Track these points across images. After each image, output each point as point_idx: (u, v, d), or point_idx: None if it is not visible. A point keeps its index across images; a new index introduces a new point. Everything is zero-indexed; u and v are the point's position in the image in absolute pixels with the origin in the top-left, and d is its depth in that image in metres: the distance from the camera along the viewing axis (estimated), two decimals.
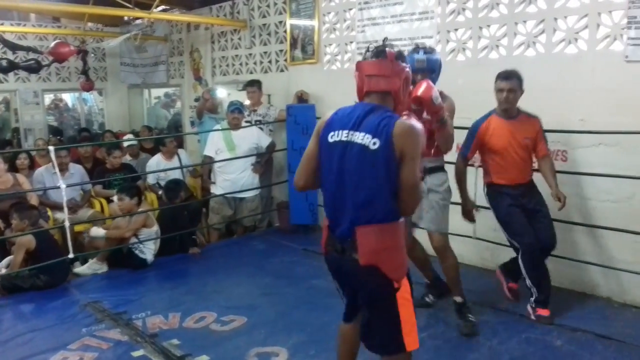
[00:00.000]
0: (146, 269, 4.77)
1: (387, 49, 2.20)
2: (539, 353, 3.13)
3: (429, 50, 3.31)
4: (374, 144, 2.04)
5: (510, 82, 3.49)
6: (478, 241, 4.40)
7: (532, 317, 3.51)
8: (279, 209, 6.09)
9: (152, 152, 6.76)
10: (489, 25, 4.37)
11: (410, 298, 2.18)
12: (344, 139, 2.13)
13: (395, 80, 2.16)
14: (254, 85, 6.05)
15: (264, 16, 6.47)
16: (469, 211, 3.69)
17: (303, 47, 5.97)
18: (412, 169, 2.03)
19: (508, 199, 3.57)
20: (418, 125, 2.11)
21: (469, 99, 4.47)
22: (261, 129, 5.92)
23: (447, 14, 4.63)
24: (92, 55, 8.94)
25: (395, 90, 2.16)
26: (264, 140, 5.78)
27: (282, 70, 6.36)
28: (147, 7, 6.21)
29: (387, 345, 2.19)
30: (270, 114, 6.05)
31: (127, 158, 6.61)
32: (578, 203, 3.91)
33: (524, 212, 3.56)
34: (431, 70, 3.24)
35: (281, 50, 6.32)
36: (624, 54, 3.63)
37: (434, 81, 3.17)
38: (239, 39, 6.93)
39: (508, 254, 4.32)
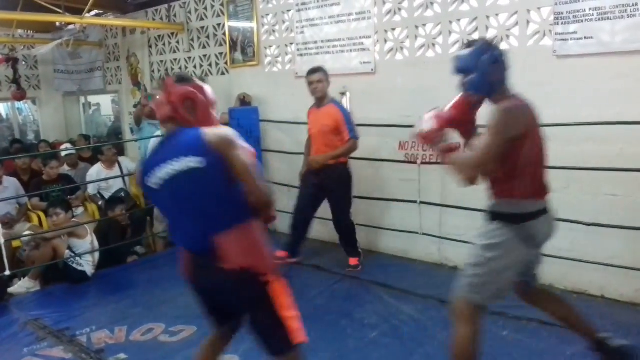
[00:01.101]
0: (88, 283, 4.60)
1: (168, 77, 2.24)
2: (487, 344, 3.17)
3: (470, 44, 2.47)
4: (198, 161, 2.04)
5: (317, 75, 4.33)
6: (424, 236, 4.50)
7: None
8: None
9: (91, 161, 6.55)
10: (424, 25, 4.45)
11: (285, 291, 2.17)
12: (163, 175, 2.11)
13: (174, 105, 2.16)
14: None
15: (202, 19, 6.38)
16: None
17: (243, 49, 5.92)
18: (237, 158, 2.05)
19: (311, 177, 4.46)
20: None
21: (409, 97, 4.57)
22: None
23: (383, 14, 4.69)
24: (23, 63, 8.58)
25: (175, 115, 2.17)
26: None
27: (223, 73, 6.29)
28: (79, 12, 6.01)
29: (276, 346, 2.19)
30: None
31: (66, 168, 6.38)
32: None
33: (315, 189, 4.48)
34: (465, 70, 2.40)
35: (221, 53, 6.24)
36: (552, 49, 3.77)
37: (479, 84, 2.37)
38: (177, 42, 6.81)
39: (454, 247, 4.44)
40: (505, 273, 2.39)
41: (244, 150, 2.09)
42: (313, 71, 4.38)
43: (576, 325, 2.70)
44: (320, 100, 4.41)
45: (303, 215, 4.62)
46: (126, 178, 6.03)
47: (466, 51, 2.41)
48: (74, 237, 4.68)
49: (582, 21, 3.63)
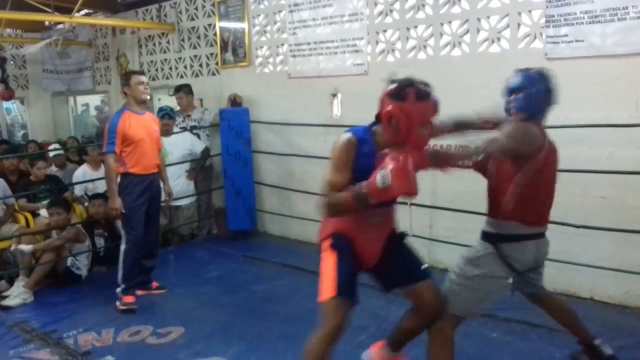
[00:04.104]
0: (77, 285, 4.55)
1: None
2: (477, 345, 3.22)
3: (527, 70, 2.48)
4: None
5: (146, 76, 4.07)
6: (414, 238, 4.47)
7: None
8: (216, 215, 5.99)
9: (80, 163, 6.47)
10: (416, 26, 4.45)
11: (333, 254, 2.36)
12: None
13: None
14: (180, 91, 5.91)
15: (193, 19, 6.34)
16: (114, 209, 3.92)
17: (234, 50, 5.89)
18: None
19: (138, 188, 3.96)
20: None
21: None
22: (197, 134, 5.80)
23: (375, 15, 4.69)
24: (12, 62, 8.49)
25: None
26: (198, 146, 5.67)
27: (213, 74, 6.25)
28: (68, 11, 5.96)
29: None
30: (205, 118, 5.93)
31: (53, 169, 6.30)
32: None
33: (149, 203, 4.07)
34: (519, 87, 2.43)
35: (212, 54, 6.21)
36: (543, 52, 3.78)
37: (528, 104, 2.41)
38: (168, 42, 6.77)
39: (444, 249, 4.44)
40: (480, 291, 2.45)
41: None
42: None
43: (575, 330, 2.80)
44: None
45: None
46: None
47: (525, 72, 2.45)
48: (77, 242, 4.63)
49: (573, 24, 3.64)
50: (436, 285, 2.45)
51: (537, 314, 3.53)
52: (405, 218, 4.49)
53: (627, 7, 3.43)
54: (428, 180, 4.38)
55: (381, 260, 2.46)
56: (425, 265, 2.51)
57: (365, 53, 4.77)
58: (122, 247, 4.04)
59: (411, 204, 4.42)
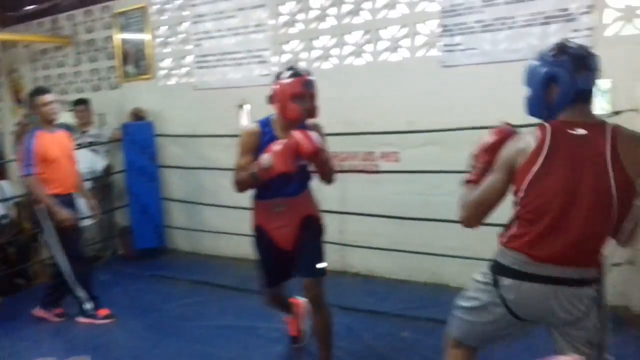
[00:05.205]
0: None
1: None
2: (390, 345, 3.27)
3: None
4: None
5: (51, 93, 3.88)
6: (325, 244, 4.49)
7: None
8: (120, 235, 5.71)
9: None
10: (319, 37, 4.51)
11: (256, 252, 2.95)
12: None
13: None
14: (82, 104, 5.62)
15: (90, 31, 6.06)
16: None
17: (136, 62, 5.69)
18: None
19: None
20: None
21: None
22: (95, 150, 5.52)
23: (279, 26, 4.70)
24: None
25: None
26: (98, 163, 5.39)
27: (114, 88, 5.99)
28: None
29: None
30: (103, 134, 5.66)
31: None
32: (414, 199, 4.16)
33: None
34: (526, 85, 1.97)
35: (112, 67, 5.96)
36: (440, 60, 3.95)
37: (531, 105, 1.96)
38: (64, 56, 6.42)
39: (356, 253, 4.48)
40: (479, 322, 2.01)
41: None
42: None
43: None
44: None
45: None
46: (9, 202, 5.54)
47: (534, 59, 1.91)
48: None
49: (466, 33, 3.83)
50: (317, 282, 2.79)
51: (443, 310, 3.65)
52: None
53: (514, 17, 3.66)
54: (337, 186, 4.42)
55: (296, 244, 2.82)
56: (322, 265, 2.82)
57: (271, 64, 4.77)
58: (63, 269, 3.84)
59: (322, 211, 4.46)
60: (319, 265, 2.80)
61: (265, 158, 2.51)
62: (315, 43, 4.54)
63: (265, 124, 2.74)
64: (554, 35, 3.52)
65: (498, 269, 1.91)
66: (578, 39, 3.44)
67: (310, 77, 2.67)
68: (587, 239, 1.77)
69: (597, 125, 1.78)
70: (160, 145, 5.46)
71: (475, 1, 3.79)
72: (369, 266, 4.48)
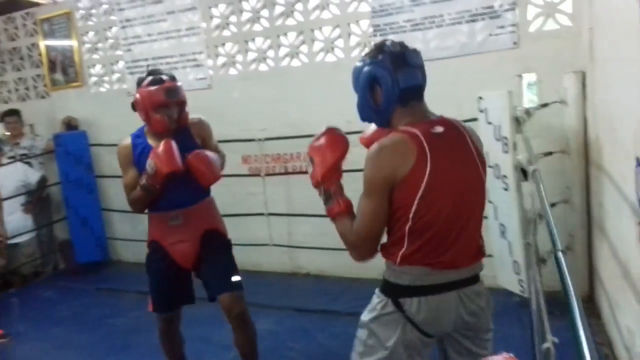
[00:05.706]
0: None
1: None
2: (345, 344, 3.30)
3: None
4: None
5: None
6: (274, 247, 4.53)
7: None
8: (61, 249, 5.53)
9: None
10: (253, 39, 4.50)
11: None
12: None
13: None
14: (12, 115, 5.37)
15: (13, 39, 5.79)
16: None
17: (64, 69, 5.49)
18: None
19: None
20: None
21: (247, 110, 4.59)
22: (28, 163, 5.30)
23: (212, 29, 4.66)
24: None
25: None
26: (33, 176, 5.19)
27: (43, 97, 5.76)
28: None
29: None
30: (37, 146, 5.44)
31: None
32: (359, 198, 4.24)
33: None
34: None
35: (39, 75, 5.72)
36: None
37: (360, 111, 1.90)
38: None
39: (305, 254, 4.54)
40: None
41: None
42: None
43: None
44: None
45: None
46: None
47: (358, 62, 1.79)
48: None
49: (397, 32, 3.92)
50: (239, 297, 2.59)
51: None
52: (264, 228, 4.58)
53: (442, 15, 3.79)
54: (283, 189, 4.48)
55: (198, 263, 2.61)
56: (237, 278, 2.60)
57: (207, 67, 4.72)
58: None
59: (269, 214, 4.52)
60: (234, 279, 2.57)
61: (149, 163, 2.40)
62: (251, 45, 4.53)
63: (137, 135, 2.59)
64: (480, 32, 3.68)
65: (398, 292, 1.71)
66: (504, 35, 3.62)
67: (173, 84, 2.46)
68: (475, 233, 1.72)
69: (443, 119, 1.72)
70: (95, 154, 5.31)
71: (404, 0, 3.88)
72: (319, 266, 4.53)
